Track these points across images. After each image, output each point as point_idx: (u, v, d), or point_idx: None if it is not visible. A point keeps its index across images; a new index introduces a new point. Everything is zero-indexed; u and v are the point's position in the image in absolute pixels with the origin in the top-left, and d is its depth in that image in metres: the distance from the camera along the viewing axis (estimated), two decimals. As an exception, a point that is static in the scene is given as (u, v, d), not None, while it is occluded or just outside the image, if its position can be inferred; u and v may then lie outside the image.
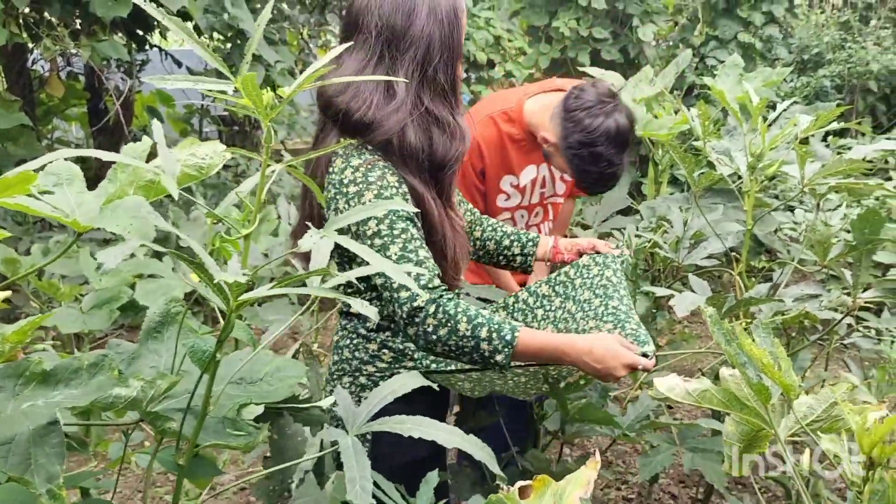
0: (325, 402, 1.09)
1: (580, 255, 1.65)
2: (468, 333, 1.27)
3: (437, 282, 1.31)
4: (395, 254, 1.29)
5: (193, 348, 1.04)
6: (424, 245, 1.33)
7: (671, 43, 4.62)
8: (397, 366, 1.47)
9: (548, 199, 2.32)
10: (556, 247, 1.68)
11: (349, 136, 1.35)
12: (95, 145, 5.04)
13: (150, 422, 1.05)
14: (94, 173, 5.38)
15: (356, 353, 1.48)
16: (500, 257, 1.72)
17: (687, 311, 1.78)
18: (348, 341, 1.50)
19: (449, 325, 1.27)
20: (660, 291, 2.03)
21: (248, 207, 0.96)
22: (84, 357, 1.07)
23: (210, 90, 0.85)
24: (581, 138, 1.82)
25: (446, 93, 1.40)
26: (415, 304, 1.28)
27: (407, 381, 1.06)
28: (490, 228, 1.73)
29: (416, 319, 1.28)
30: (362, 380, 1.47)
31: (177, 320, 1.25)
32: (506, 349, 1.27)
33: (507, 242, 1.71)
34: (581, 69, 3.52)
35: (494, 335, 1.27)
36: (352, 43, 1.37)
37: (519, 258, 1.71)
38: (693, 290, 2.06)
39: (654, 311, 2.86)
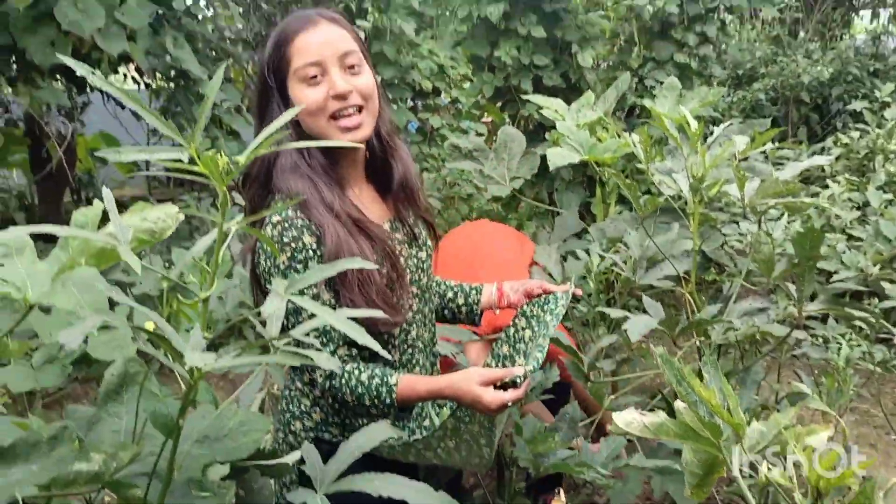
0: (290, 458, 1.09)
1: (528, 296, 1.56)
2: (356, 402, 1.33)
3: (340, 352, 1.35)
4: (306, 318, 1.31)
5: (155, 414, 1.03)
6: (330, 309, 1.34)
7: (610, 64, 4.73)
8: (324, 429, 1.44)
9: None
10: (502, 290, 1.61)
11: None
12: (39, 193, 4.95)
13: (112, 490, 1.04)
14: (38, 220, 5.27)
15: (290, 406, 1.47)
16: (446, 311, 1.67)
17: (640, 334, 1.81)
18: (288, 392, 1.49)
19: (338, 397, 1.34)
20: (614, 313, 2.07)
21: (205, 271, 0.97)
22: (43, 429, 1.05)
23: (165, 160, 0.85)
24: None
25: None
26: (314, 376, 1.36)
27: (375, 434, 1.07)
28: (434, 284, 1.65)
29: (317, 392, 1.40)
30: (290, 438, 1.46)
31: (136, 380, 1.24)
32: (391, 410, 1.33)
33: (450, 295, 1.66)
34: (524, 97, 3.59)
35: (377, 400, 1.31)
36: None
37: (464, 308, 1.65)
38: (647, 313, 2.11)
39: (611, 331, 2.91)
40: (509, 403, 1.25)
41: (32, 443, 0.99)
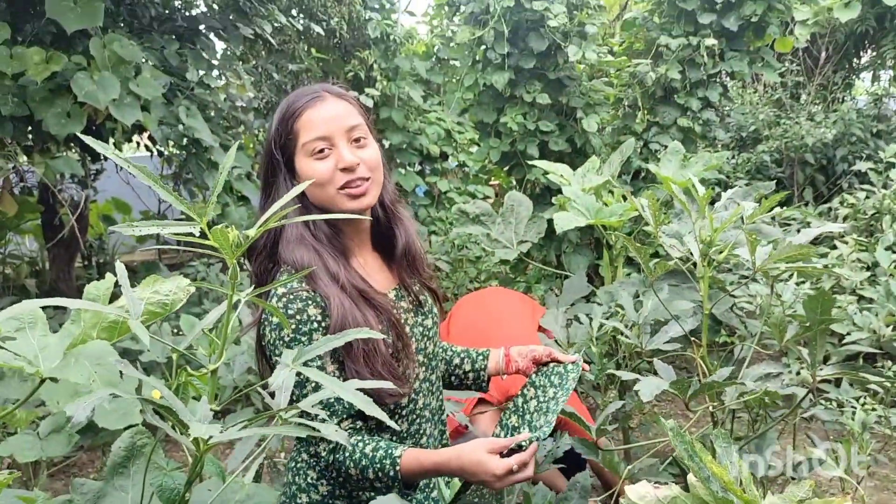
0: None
1: (536, 362, 1.55)
2: (360, 476, 1.29)
3: (344, 425, 1.33)
4: (311, 390, 1.30)
5: (162, 487, 1.02)
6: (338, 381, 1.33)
7: (615, 129, 4.80)
8: (330, 502, 1.42)
9: None
10: (509, 356, 1.60)
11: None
12: (50, 258, 4.99)
13: (118, 567, 1.02)
14: (49, 286, 5.30)
15: (296, 479, 1.45)
16: (453, 377, 1.66)
17: (652, 395, 1.80)
18: (294, 464, 1.47)
19: (342, 471, 1.31)
20: (624, 375, 2.05)
21: (214, 342, 0.97)
22: (49, 503, 1.04)
23: (177, 233, 0.87)
24: None
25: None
26: (317, 449, 1.32)
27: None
28: (441, 350, 1.65)
29: (321, 465, 1.35)
30: None
31: (143, 453, 1.23)
32: (395, 484, 1.28)
33: (457, 361, 1.66)
34: (531, 162, 3.64)
35: (381, 474, 1.28)
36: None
37: (471, 374, 1.64)
38: (658, 374, 2.09)
39: (621, 396, 2.88)
40: (514, 468, 1.23)
41: (37, 519, 0.98)
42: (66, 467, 3.37)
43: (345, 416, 1.32)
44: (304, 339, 1.31)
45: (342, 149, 1.38)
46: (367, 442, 1.31)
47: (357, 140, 1.41)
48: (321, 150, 1.38)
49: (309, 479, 1.43)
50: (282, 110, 1.42)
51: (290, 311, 1.32)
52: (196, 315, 3.48)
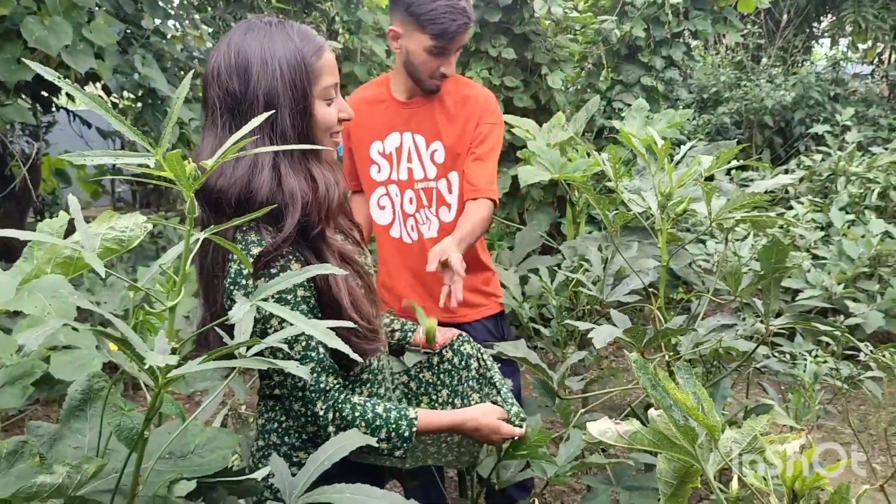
0: (260, 474, 1.07)
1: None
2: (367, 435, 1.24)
3: (331, 381, 1.28)
4: (299, 352, 1.25)
5: (119, 426, 1.00)
6: (304, 317, 1.27)
7: (579, 87, 4.79)
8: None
9: (418, 182, 2.30)
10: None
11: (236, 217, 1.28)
12: (1, 212, 4.85)
13: (75, 507, 1.01)
14: (0, 240, 5.16)
15: (286, 439, 1.38)
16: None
17: (604, 342, 1.81)
18: (276, 425, 1.40)
19: (346, 429, 1.26)
20: (580, 326, 2.07)
21: (172, 279, 0.95)
22: (2, 444, 1.02)
23: (131, 164, 0.84)
24: None
25: (302, 142, 1.29)
26: (313, 409, 1.27)
27: (344, 444, 1.05)
28: None
29: (317, 424, 1.27)
30: (294, 469, 1.36)
31: (100, 397, 1.21)
32: (404, 444, 1.29)
33: (386, 320, 1.69)
34: (495, 117, 3.61)
35: (393, 434, 1.28)
36: (206, 121, 1.28)
37: (398, 335, 1.71)
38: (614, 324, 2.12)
39: (581, 349, 2.92)
40: (515, 437, 1.50)
41: (-9, 458, 0.96)
42: (20, 421, 3.32)
43: (329, 372, 1.28)
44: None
45: (339, 98, 1.36)
46: (376, 402, 1.29)
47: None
48: (330, 97, 1.33)
49: (305, 436, 1.38)
50: (301, 48, 1.27)
51: (272, 271, 1.23)
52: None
